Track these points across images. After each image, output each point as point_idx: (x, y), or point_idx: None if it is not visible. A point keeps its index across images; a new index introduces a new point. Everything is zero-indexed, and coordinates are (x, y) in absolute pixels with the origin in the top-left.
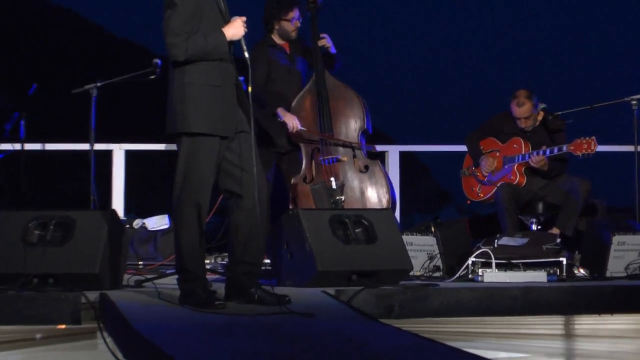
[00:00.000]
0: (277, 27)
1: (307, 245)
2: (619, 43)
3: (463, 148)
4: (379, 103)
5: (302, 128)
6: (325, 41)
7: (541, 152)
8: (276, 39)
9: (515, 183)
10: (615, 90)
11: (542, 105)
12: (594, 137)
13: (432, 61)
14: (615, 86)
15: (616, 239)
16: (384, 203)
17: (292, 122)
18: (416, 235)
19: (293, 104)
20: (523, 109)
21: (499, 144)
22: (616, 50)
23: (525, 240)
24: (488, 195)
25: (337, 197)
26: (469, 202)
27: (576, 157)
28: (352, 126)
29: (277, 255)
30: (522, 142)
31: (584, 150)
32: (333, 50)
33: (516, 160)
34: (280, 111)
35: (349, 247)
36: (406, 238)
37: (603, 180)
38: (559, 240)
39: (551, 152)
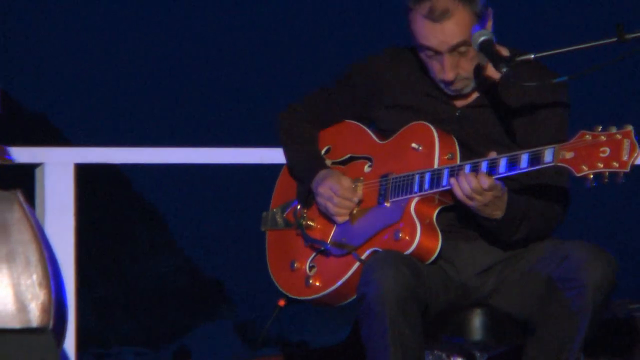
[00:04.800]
0: None
1: None
2: None
3: (264, 157)
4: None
5: None
6: None
7: (484, 166)
8: None
9: (411, 251)
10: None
11: (484, 36)
12: (630, 128)
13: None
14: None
15: None
16: (34, 311)
17: None
18: None
19: None
20: (445, 28)
21: (374, 139)
22: None
23: None
24: (337, 285)
25: None
26: (283, 303)
27: (577, 182)
28: None
29: None
30: (437, 135)
31: (600, 167)
32: None
33: (415, 189)
34: None
35: None
36: None
37: None
38: None
39: (511, 165)
